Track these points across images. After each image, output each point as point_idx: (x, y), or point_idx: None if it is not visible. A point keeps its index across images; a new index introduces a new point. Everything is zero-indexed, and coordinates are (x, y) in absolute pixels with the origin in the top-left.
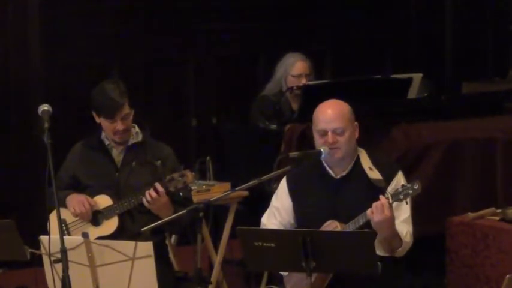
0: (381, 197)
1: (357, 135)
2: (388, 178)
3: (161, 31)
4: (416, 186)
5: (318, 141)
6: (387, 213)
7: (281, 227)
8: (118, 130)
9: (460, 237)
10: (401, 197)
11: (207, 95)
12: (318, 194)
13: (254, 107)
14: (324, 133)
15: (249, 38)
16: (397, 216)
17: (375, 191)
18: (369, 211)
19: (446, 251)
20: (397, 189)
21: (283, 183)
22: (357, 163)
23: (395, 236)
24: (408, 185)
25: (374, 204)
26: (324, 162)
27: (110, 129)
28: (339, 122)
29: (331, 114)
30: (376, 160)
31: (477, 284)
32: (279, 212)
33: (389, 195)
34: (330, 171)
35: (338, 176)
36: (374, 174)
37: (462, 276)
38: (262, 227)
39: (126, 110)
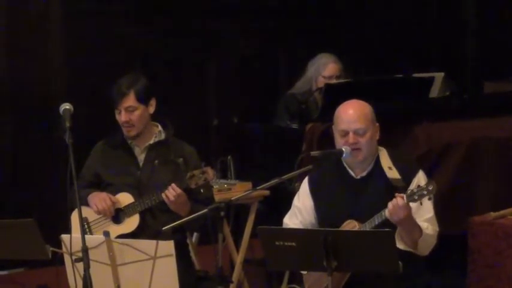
0: (397, 195)
1: (378, 136)
2: (408, 178)
3: (182, 31)
4: (430, 188)
5: (338, 141)
6: (405, 212)
7: (302, 227)
8: (122, 121)
9: (482, 237)
10: (416, 197)
11: (228, 95)
12: (339, 194)
13: (280, 104)
14: (345, 133)
15: (271, 37)
16: (420, 215)
17: (393, 190)
18: (386, 211)
19: (468, 250)
20: (412, 189)
21: (304, 184)
22: (377, 163)
23: (415, 226)
24: (423, 186)
25: (391, 204)
26: (344, 163)
27: (118, 120)
28: (361, 122)
29: (353, 114)
30: (396, 159)
31: (498, 284)
32: (300, 212)
33: (405, 196)
34: (351, 172)
35: (358, 176)
36: (393, 173)
37: (484, 276)
38: (284, 226)
39: (130, 102)
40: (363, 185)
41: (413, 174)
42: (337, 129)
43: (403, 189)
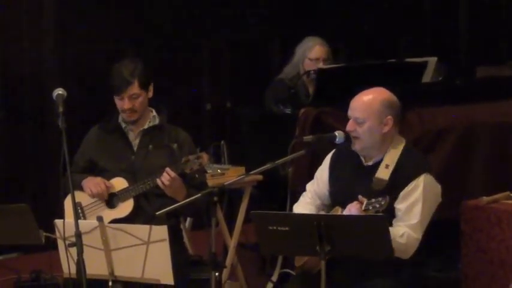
0: (360, 198)
1: (386, 129)
2: (406, 179)
3: (176, 15)
4: (383, 202)
5: None
6: None
7: (315, 195)
8: (124, 108)
9: (475, 222)
10: (370, 208)
11: (221, 79)
12: (347, 175)
13: (268, 91)
14: (349, 118)
15: (264, 22)
16: (405, 219)
17: (374, 191)
18: (344, 211)
19: (461, 235)
20: (372, 199)
21: (329, 156)
22: (383, 157)
23: None
24: (379, 199)
25: (348, 206)
26: None
27: (119, 106)
28: (360, 111)
29: (358, 102)
30: (406, 158)
31: (491, 268)
32: (317, 182)
33: (364, 202)
34: (362, 158)
35: (365, 164)
36: (383, 173)
37: (476, 260)
38: (305, 192)
39: (135, 90)
40: (367, 174)
41: (413, 177)
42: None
43: (378, 193)
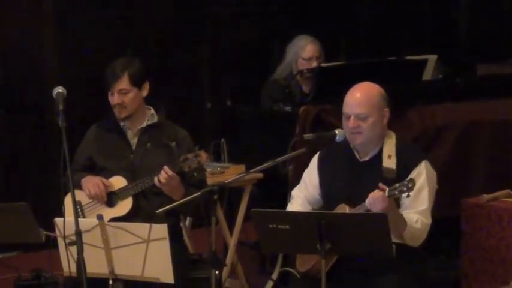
0: (380, 187)
1: (385, 121)
2: (408, 168)
3: (176, 13)
4: (410, 185)
5: (343, 123)
6: (383, 205)
7: (305, 201)
8: (114, 104)
9: (475, 219)
10: (397, 193)
11: (221, 78)
12: (341, 174)
13: (263, 92)
14: (348, 116)
15: (265, 20)
16: (414, 206)
17: (387, 179)
18: (367, 202)
19: (461, 233)
20: (396, 184)
21: (315, 158)
22: (381, 149)
23: (399, 218)
24: (405, 182)
25: (370, 195)
26: (350, 144)
27: (110, 101)
28: (363, 107)
29: (357, 98)
30: (402, 147)
31: (492, 266)
32: (306, 186)
33: (387, 189)
34: (356, 154)
35: (361, 160)
36: (389, 163)
37: (477, 258)
38: (291, 198)
39: (123, 85)
40: (364, 169)
41: (414, 164)
42: (343, 111)
43: (391, 181)
